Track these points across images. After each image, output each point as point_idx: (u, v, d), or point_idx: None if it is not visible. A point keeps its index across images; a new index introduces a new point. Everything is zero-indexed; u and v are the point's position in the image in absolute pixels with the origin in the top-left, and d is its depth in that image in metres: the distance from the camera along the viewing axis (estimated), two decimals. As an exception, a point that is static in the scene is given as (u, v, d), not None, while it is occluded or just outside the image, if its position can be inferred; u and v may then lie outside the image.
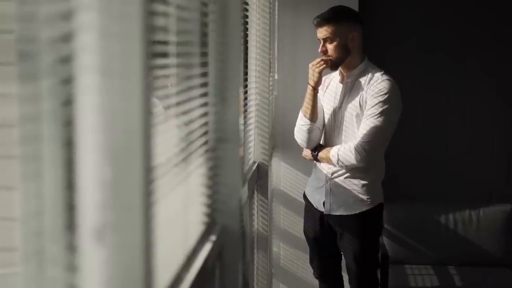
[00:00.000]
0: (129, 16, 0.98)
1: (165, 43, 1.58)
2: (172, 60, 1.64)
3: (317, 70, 3.23)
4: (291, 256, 4.30)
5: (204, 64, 2.03)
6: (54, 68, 0.94)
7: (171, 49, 1.63)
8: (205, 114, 2.02)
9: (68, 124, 0.97)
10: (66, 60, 0.97)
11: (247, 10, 3.09)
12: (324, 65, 3.23)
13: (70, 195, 0.98)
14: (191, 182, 1.83)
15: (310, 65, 3.27)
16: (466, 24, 4.49)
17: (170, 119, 1.66)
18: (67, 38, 0.97)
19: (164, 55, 1.58)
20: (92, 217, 1.01)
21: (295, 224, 4.21)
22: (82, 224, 1.00)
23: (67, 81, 0.97)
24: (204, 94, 2.02)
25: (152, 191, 1.09)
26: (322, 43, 3.24)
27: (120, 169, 1.00)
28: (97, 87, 0.98)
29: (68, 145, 0.97)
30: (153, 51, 1.16)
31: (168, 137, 1.62)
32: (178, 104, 1.71)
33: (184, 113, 1.77)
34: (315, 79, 3.25)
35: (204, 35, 2.01)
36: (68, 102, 0.97)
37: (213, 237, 1.99)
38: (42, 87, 0.93)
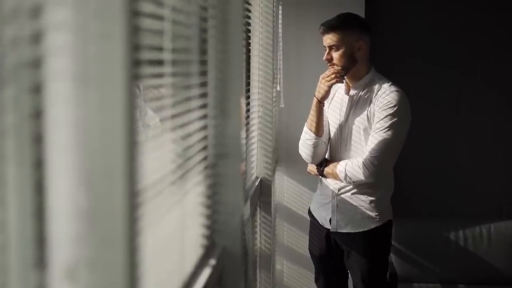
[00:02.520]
0: (109, 14, 0.82)
1: (159, 49, 1.44)
2: (167, 68, 1.50)
3: (326, 84, 3.11)
4: (295, 274, 4.20)
5: (203, 73, 1.90)
6: (20, 74, 0.79)
7: (166, 56, 1.49)
8: (204, 128, 1.89)
9: (36, 141, 0.81)
10: (34, 64, 0.81)
11: (249, 17, 2.96)
12: (335, 80, 3.09)
13: (39, 225, 0.82)
14: (189, 202, 1.68)
15: (320, 77, 3.13)
16: (474, 35, 4.41)
17: (166, 133, 1.52)
18: (35, 38, 0.81)
19: (159, 62, 1.44)
20: (65, 252, 0.85)
21: (299, 241, 4.10)
22: (53, 261, 0.84)
23: (35, 89, 0.81)
24: (203, 106, 1.89)
25: (137, 219, 0.93)
26: (327, 50, 3.11)
27: (98, 194, 0.84)
28: (71, 96, 0.82)
29: (37, 166, 0.82)
30: (140, 56, 1.01)
31: (163, 152, 1.48)
32: (174, 116, 1.57)
33: (181, 126, 1.64)
34: (323, 92, 3.13)
35: (203, 41, 1.87)
36: (36, 115, 0.81)
37: (212, 261, 1.84)
38: (5, 97, 0.77)
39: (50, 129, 0.83)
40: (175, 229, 1.55)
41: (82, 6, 0.82)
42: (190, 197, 1.71)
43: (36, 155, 0.82)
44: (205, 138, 1.91)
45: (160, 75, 1.48)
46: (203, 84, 1.90)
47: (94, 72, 0.83)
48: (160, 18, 1.40)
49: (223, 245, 2.00)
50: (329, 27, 3.10)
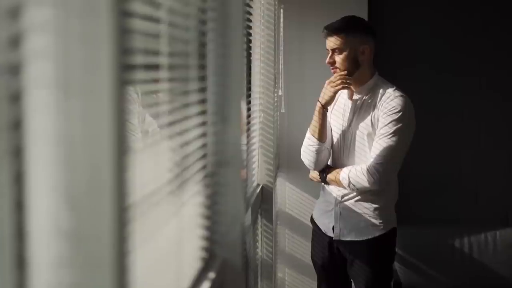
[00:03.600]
0: (95, 14, 0.74)
1: (154, 52, 1.36)
2: (164, 73, 1.42)
3: (332, 89, 3.04)
4: (297, 282, 4.14)
5: (202, 78, 1.82)
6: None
7: (163, 60, 1.42)
8: (203, 135, 1.81)
9: (14, 155, 0.74)
10: (12, 70, 0.73)
11: (250, 20, 2.89)
12: (341, 86, 3.02)
13: (17, 248, 0.74)
14: (187, 213, 1.60)
15: (327, 82, 3.06)
16: (478, 40, 4.35)
17: (164, 140, 1.45)
18: (12, 41, 0.73)
19: (154, 67, 1.37)
20: (46, 277, 0.77)
21: (302, 248, 4.04)
22: (34, 286, 0.76)
23: (13, 97, 0.73)
24: (202, 112, 1.80)
25: (126, 239, 0.85)
26: (330, 53, 3.04)
27: (83, 213, 0.76)
28: (53, 105, 0.74)
29: (15, 182, 0.74)
30: (131, 60, 0.93)
31: (160, 161, 1.40)
32: (172, 124, 1.50)
33: (180, 134, 1.56)
34: (327, 98, 3.06)
35: (202, 45, 1.80)
36: (14, 126, 0.73)
37: (212, 275, 1.76)
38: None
39: (29, 141, 0.75)
40: (172, 242, 1.47)
41: (64, 5, 0.74)
42: (188, 209, 1.63)
43: (14, 170, 0.74)
44: (204, 146, 1.83)
45: (156, 80, 1.41)
46: (202, 90, 1.83)
47: (78, 78, 0.75)
48: (155, 20, 1.33)
49: (223, 257, 1.92)
50: (332, 29, 3.04)
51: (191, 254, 1.71)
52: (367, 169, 2.97)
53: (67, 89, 0.75)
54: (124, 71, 0.82)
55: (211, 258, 1.87)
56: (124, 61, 0.83)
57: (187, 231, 1.65)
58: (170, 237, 1.45)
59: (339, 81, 3.02)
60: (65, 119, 0.75)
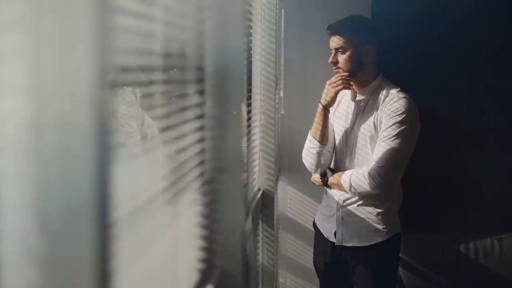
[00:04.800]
0: (73, 10, 0.66)
1: (147, 53, 1.28)
2: (157, 76, 1.34)
3: (333, 90, 2.98)
4: (299, 288, 4.05)
5: (200, 81, 1.74)
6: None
7: (157, 61, 1.34)
8: (201, 140, 1.72)
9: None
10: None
11: (250, 20, 2.81)
12: (342, 86, 2.95)
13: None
14: (183, 223, 1.52)
15: (327, 82, 2.99)
16: (485, 39, 4.26)
17: (161, 145, 1.38)
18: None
19: (148, 68, 1.29)
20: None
21: (304, 253, 3.97)
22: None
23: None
24: (200, 116, 1.72)
25: (108, 261, 0.76)
26: (333, 53, 2.97)
27: (58, 235, 0.67)
28: (22, 114, 0.66)
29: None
30: (116, 62, 0.84)
31: (155, 168, 1.33)
32: (167, 128, 1.43)
33: (176, 139, 1.48)
34: (328, 99, 3.00)
35: (200, 46, 1.72)
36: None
37: (210, 287, 1.68)
38: None
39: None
40: (167, 255, 1.39)
41: (37, 0, 0.65)
42: (185, 218, 1.55)
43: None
44: (202, 151, 1.75)
45: (151, 83, 1.33)
46: (201, 92, 1.75)
47: (52, 82, 0.66)
48: (148, 18, 1.24)
49: (222, 267, 1.84)
50: (336, 28, 2.97)
51: (188, 266, 1.63)
52: (369, 173, 2.91)
53: (40, 94, 0.66)
54: (108, 73, 0.73)
55: (209, 269, 1.79)
56: (108, 63, 0.74)
57: (184, 243, 1.56)
58: (165, 250, 1.37)
59: (340, 81, 2.96)
60: (37, 129, 0.66)
